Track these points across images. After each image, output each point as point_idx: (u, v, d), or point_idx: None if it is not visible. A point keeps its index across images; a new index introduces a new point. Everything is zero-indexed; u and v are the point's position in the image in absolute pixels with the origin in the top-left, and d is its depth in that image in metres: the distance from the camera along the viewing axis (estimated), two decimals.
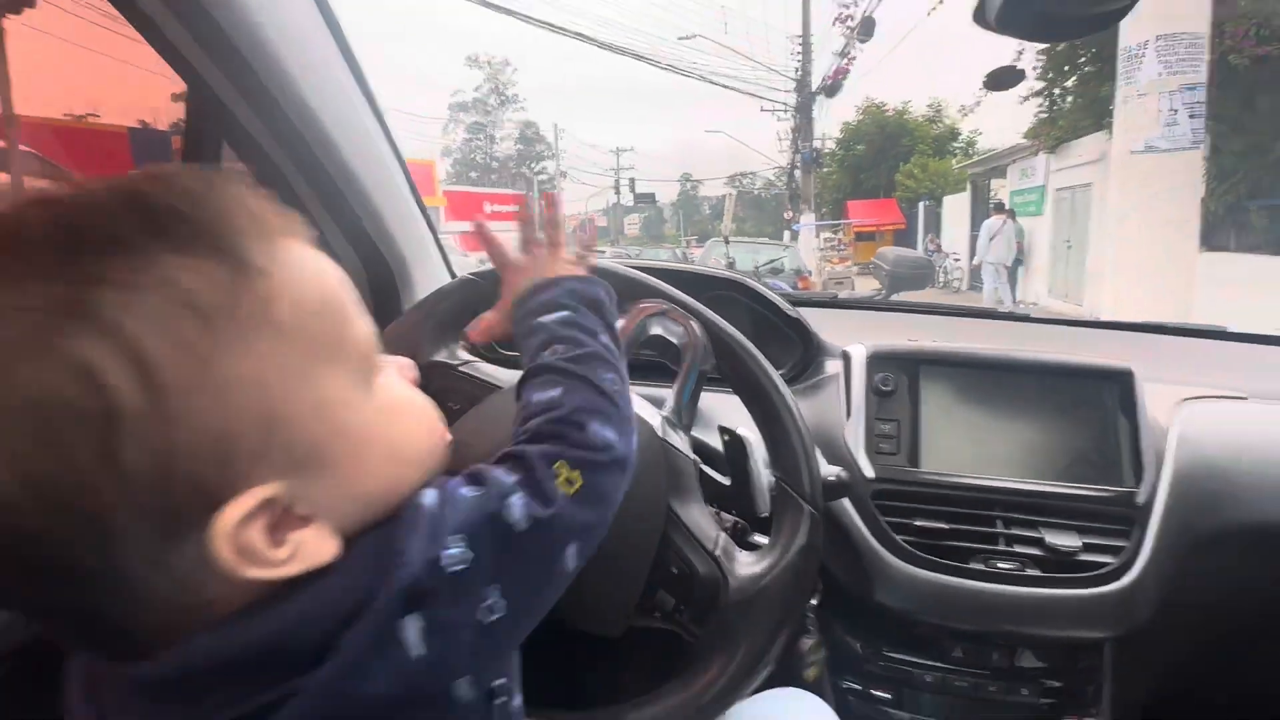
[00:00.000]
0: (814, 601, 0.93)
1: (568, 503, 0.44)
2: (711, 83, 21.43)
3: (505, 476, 0.43)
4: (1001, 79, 1.05)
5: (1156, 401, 1.01)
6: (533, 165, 46.96)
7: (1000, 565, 0.89)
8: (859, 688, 0.97)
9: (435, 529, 0.39)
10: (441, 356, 0.84)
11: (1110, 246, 4.67)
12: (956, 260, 15.54)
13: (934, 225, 18.80)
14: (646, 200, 37.69)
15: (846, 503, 0.96)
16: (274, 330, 0.35)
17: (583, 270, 0.62)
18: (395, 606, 0.36)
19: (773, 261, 10.47)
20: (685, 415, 0.81)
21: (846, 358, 1.06)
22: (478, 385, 0.81)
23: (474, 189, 37.70)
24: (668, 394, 0.83)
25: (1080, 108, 10.71)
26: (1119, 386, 0.97)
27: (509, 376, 0.84)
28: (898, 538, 0.92)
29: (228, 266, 0.34)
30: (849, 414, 1.00)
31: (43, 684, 0.78)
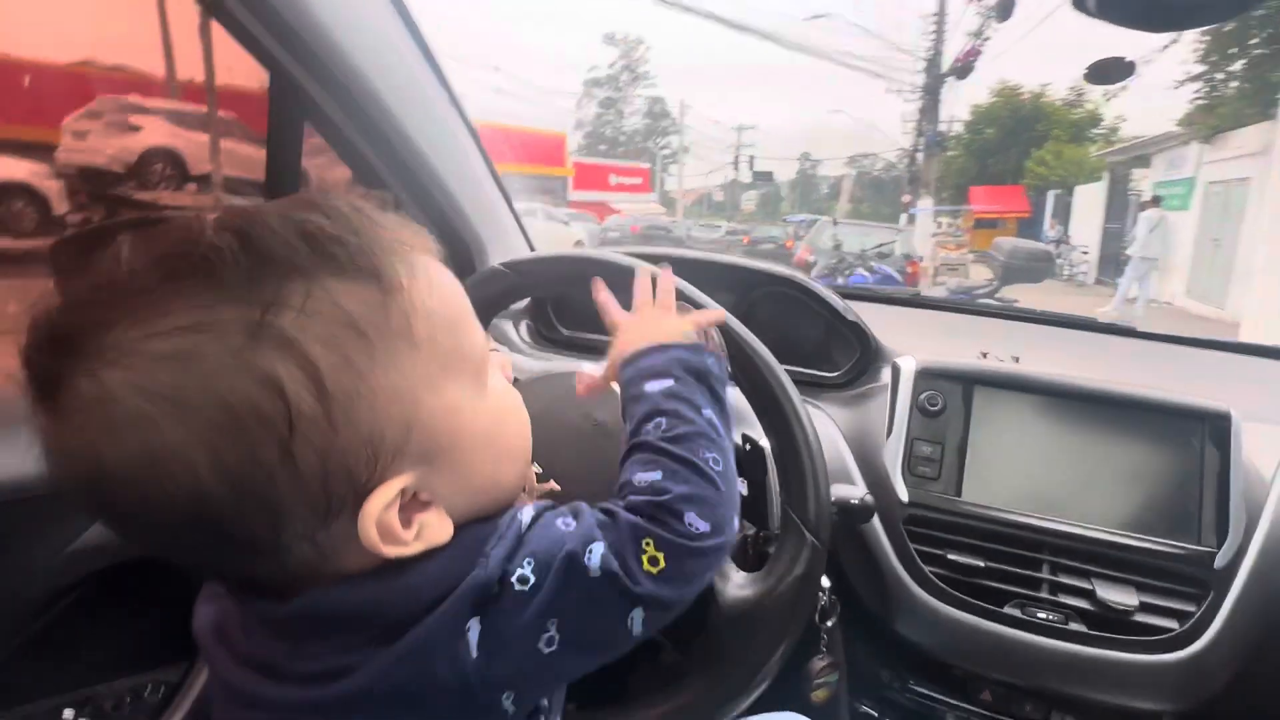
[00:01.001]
0: (830, 622, 0.85)
1: (645, 578, 0.42)
2: (838, 63, 20.28)
3: (596, 525, 0.43)
4: (1106, 72, 0.87)
5: (1263, 447, 0.83)
6: (658, 140, 46.76)
7: (1040, 615, 0.77)
8: (875, 715, 0.88)
9: (517, 544, 0.41)
10: None
11: (1263, 247, 4.02)
12: (1085, 254, 14.06)
13: (1063, 215, 17.11)
14: (764, 178, 36.72)
15: (877, 525, 0.86)
16: (412, 344, 0.38)
17: (692, 328, 0.58)
18: (467, 603, 0.38)
19: (882, 245, 9.88)
20: None
21: (895, 370, 0.94)
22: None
23: (601, 161, 38.11)
24: None
25: (1245, 94, 9.26)
26: (1212, 429, 0.80)
27: (530, 369, 0.80)
28: (927, 569, 0.82)
29: (377, 287, 0.36)
30: (889, 431, 0.90)
31: (127, 597, 0.85)
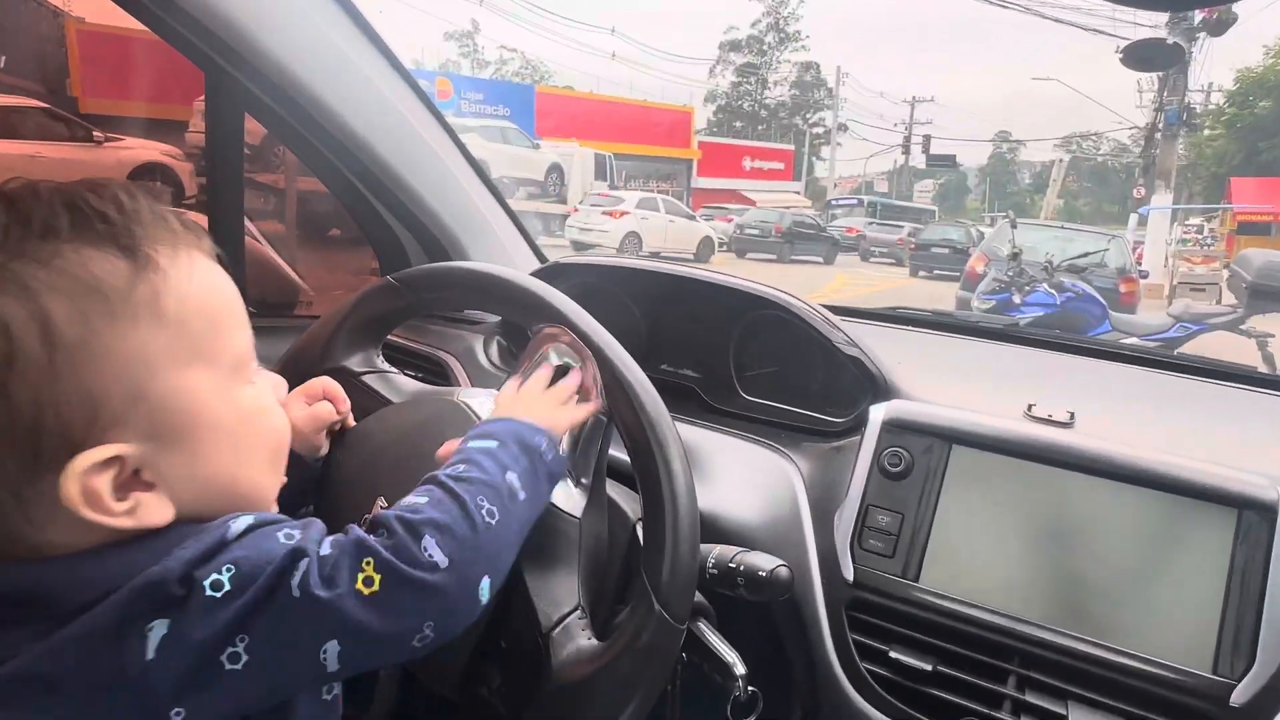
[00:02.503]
0: (742, 671, 0.86)
1: (352, 599, 0.49)
2: (1045, 17, 19.32)
3: (318, 542, 0.51)
4: (1147, 55, 0.84)
5: None
6: (807, 116, 46.45)
7: None
8: None
9: (216, 549, 0.48)
10: (354, 361, 0.91)
11: None
12: None
13: None
14: (944, 163, 35.48)
15: (820, 608, 0.88)
16: (158, 319, 0.49)
17: (563, 415, 0.72)
18: (140, 599, 0.45)
19: (1087, 255, 9.25)
20: (577, 465, 0.80)
21: (862, 420, 0.95)
22: (371, 397, 0.88)
23: (735, 141, 38.31)
24: None
25: None
26: (1249, 521, 0.75)
27: (407, 390, 0.89)
28: (864, 666, 0.83)
29: (130, 261, 0.48)
30: (846, 493, 0.91)
31: None
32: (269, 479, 0.58)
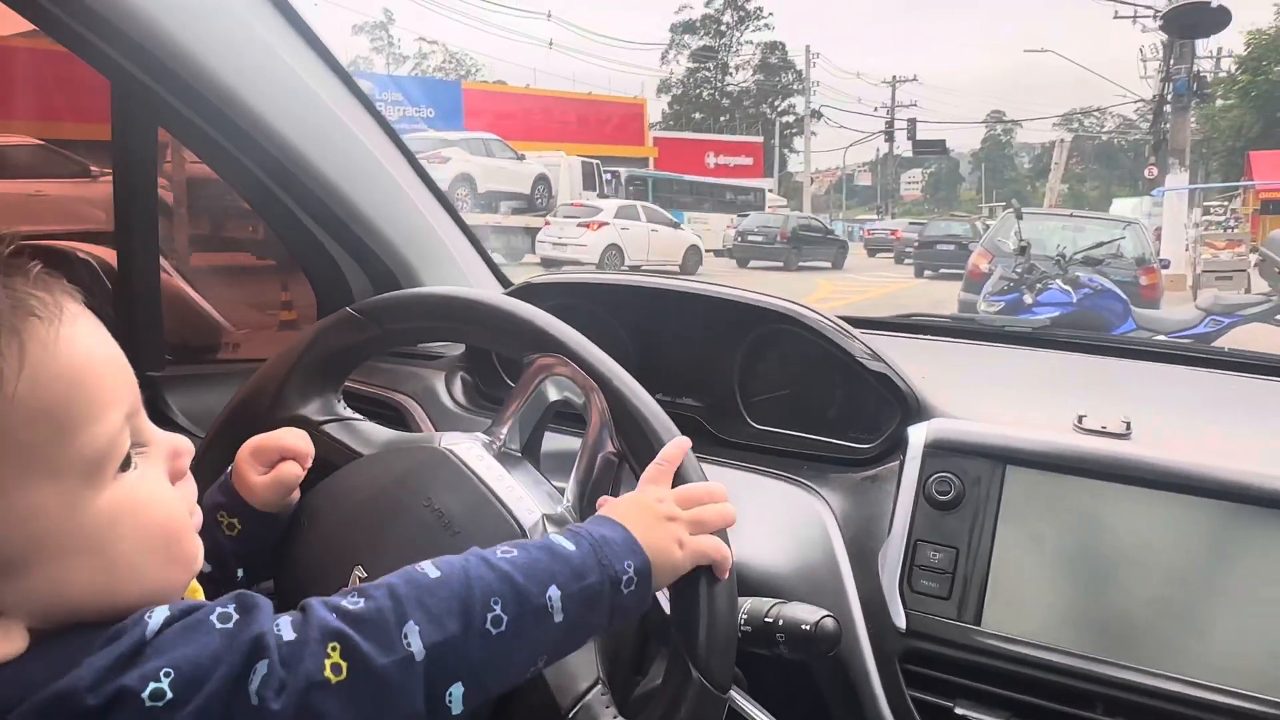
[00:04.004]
0: None
1: (318, 692, 0.49)
2: None
3: (274, 628, 0.50)
4: (1191, 20, 0.88)
5: None
6: (775, 103, 47.24)
7: None
8: None
9: (135, 652, 0.47)
10: (312, 409, 0.91)
11: None
12: None
13: None
14: (933, 149, 36.33)
15: (868, 662, 0.89)
16: None
17: (686, 554, 0.68)
18: None
19: (1102, 245, 9.51)
20: (583, 514, 0.80)
21: (903, 444, 0.97)
22: (336, 450, 0.87)
23: (695, 135, 38.86)
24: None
25: None
26: None
27: (378, 439, 0.89)
28: None
29: None
30: (889, 528, 0.92)
31: None
32: (163, 574, 0.54)
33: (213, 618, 0.49)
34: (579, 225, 16.90)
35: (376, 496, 0.80)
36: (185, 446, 0.59)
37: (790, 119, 45.55)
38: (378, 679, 0.51)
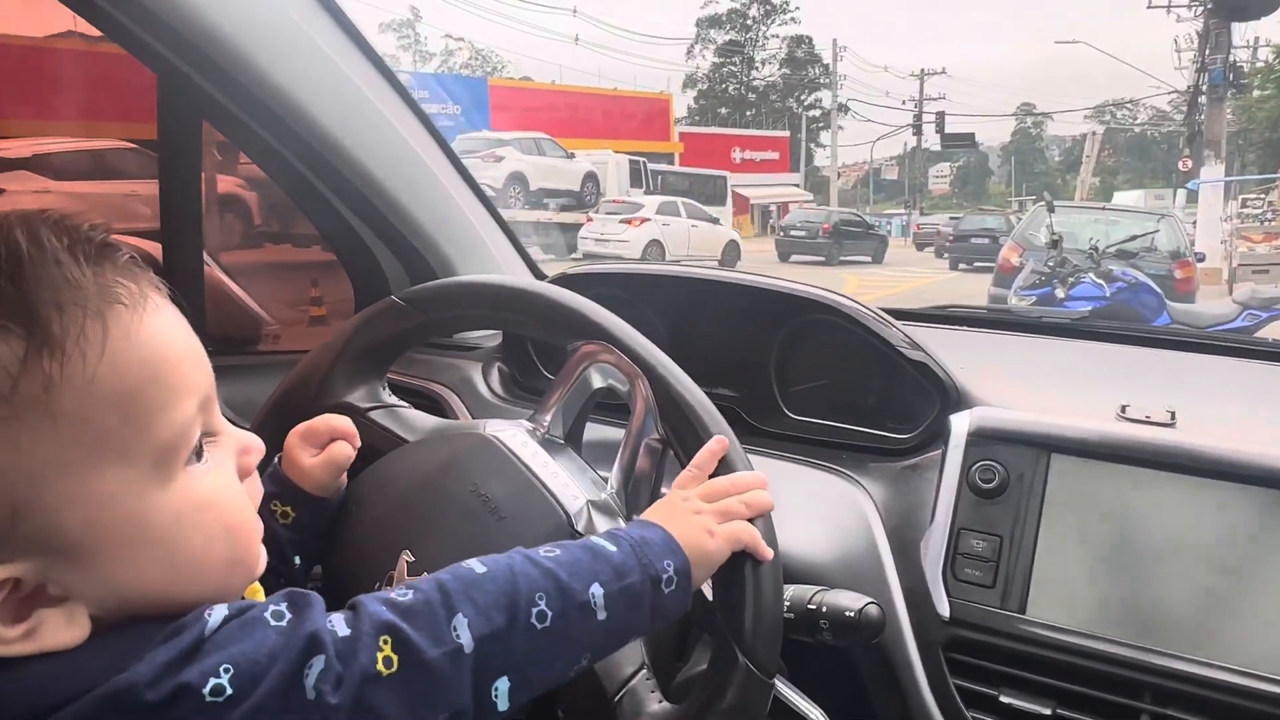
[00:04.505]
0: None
1: (371, 684, 0.50)
2: None
3: (328, 625, 0.51)
4: (1242, 2, 0.86)
5: None
6: (802, 97, 47.03)
7: None
8: None
9: (195, 648, 0.47)
10: (358, 396, 0.92)
11: None
12: None
13: None
14: (962, 143, 36.05)
15: (911, 650, 0.88)
16: (46, 416, 0.45)
17: (720, 542, 0.69)
18: (104, 713, 0.44)
19: (1135, 238, 9.39)
20: (630, 502, 0.81)
21: (944, 433, 0.96)
22: (382, 437, 0.88)
23: (720, 130, 38.75)
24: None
25: None
26: None
27: (424, 426, 0.90)
28: (971, 716, 0.83)
29: (24, 345, 0.44)
30: (932, 517, 0.92)
31: None
32: (226, 573, 0.55)
33: (267, 614, 0.50)
34: (621, 221, 17.29)
35: (423, 482, 0.81)
36: (256, 444, 0.60)
37: (817, 113, 45.37)
38: (428, 670, 0.52)
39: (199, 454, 0.52)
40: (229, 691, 0.46)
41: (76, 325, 0.46)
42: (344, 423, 0.81)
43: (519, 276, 0.88)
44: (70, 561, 0.47)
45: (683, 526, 0.67)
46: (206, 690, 0.45)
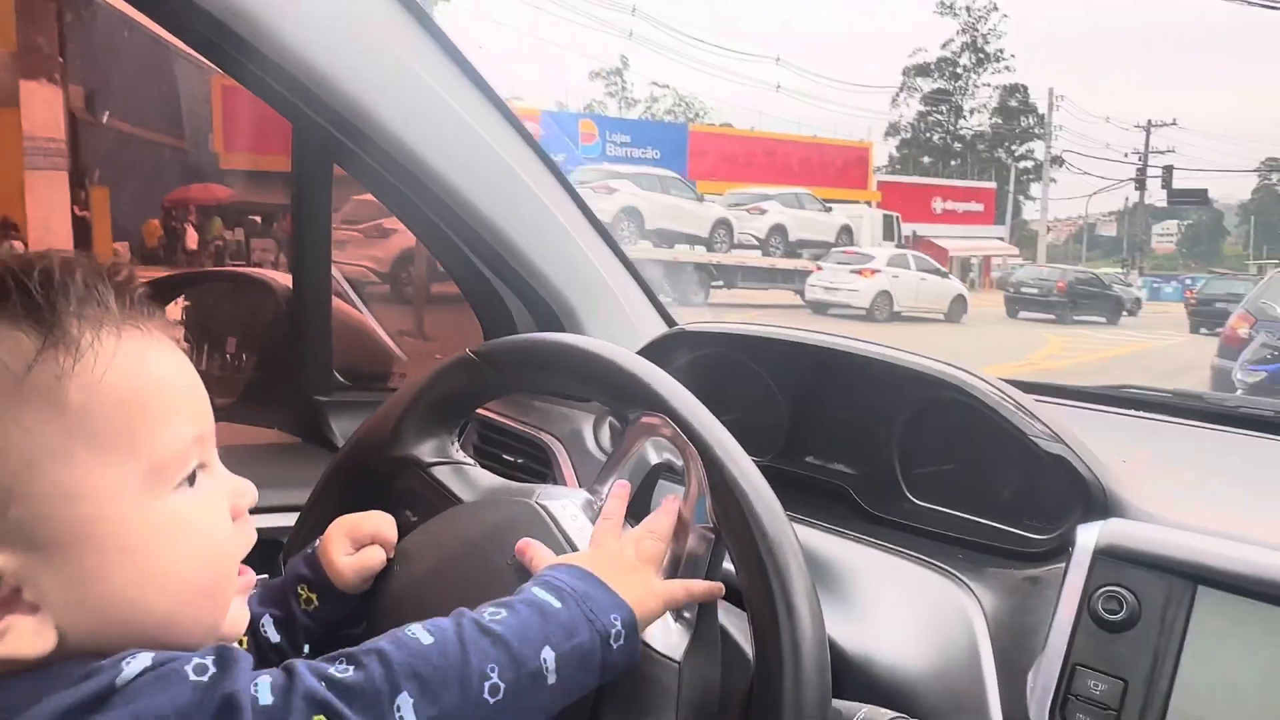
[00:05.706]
0: None
1: None
2: None
3: (251, 689, 0.48)
4: None
5: None
6: (1013, 147, 45.00)
7: None
8: None
9: (102, 697, 0.45)
10: (426, 449, 0.90)
11: None
12: None
13: None
14: (1191, 199, 33.42)
15: None
16: (56, 406, 0.48)
17: (659, 594, 0.67)
18: None
19: None
20: None
21: (1067, 549, 0.83)
22: (438, 494, 0.85)
23: (921, 180, 37.66)
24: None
25: None
26: None
27: (483, 485, 0.86)
28: None
29: (43, 339, 0.48)
30: (1044, 645, 0.79)
31: None
32: (192, 605, 0.54)
33: (188, 668, 0.47)
34: (851, 271, 17.49)
35: (466, 547, 0.78)
36: (250, 489, 0.61)
37: (1028, 164, 43.23)
38: None
39: (192, 481, 0.54)
40: None
41: (93, 332, 0.49)
42: (387, 526, 0.80)
43: (589, 338, 0.83)
44: (48, 562, 0.47)
45: (622, 581, 0.65)
46: None
